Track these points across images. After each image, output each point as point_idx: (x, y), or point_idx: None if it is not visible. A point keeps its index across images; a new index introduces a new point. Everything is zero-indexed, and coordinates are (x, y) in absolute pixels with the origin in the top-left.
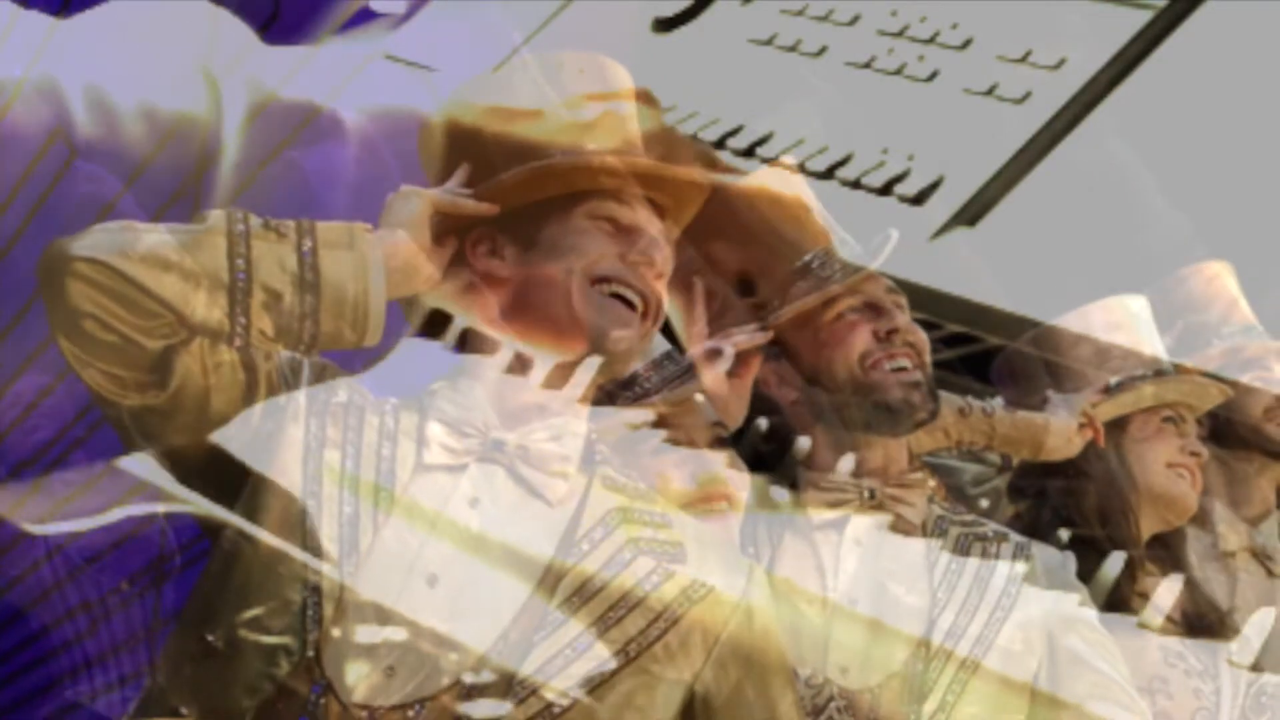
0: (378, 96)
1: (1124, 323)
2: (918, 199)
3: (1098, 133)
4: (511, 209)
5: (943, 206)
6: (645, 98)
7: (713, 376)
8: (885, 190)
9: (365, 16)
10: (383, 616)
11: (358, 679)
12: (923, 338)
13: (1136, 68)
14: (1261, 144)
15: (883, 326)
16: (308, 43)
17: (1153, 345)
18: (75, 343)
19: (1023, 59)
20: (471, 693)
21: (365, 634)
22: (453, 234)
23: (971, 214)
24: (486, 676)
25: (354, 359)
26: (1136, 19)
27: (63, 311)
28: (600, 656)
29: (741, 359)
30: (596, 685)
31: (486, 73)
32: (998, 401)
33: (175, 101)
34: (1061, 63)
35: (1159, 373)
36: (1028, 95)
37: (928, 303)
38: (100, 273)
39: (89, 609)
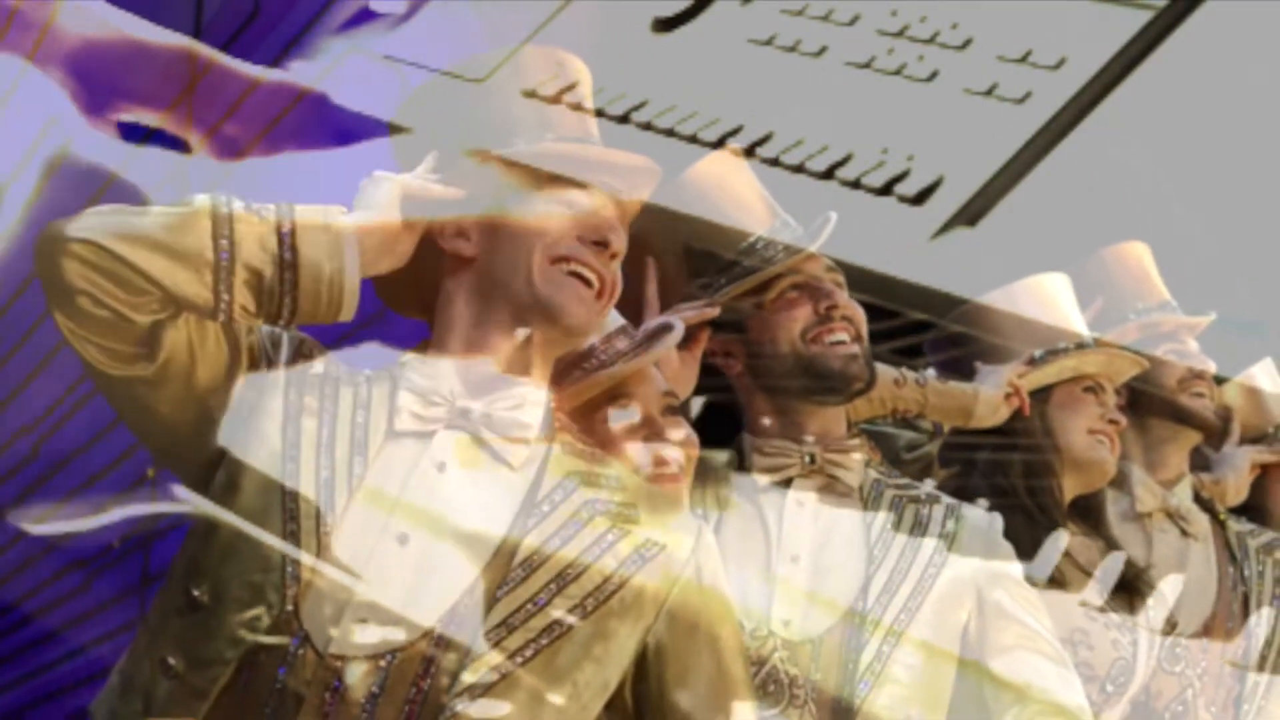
0: (351, 92)
1: (1047, 299)
2: (918, 199)
3: (1098, 133)
4: (476, 193)
5: (943, 206)
6: None
7: (664, 349)
8: (885, 190)
9: (365, 16)
10: (356, 573)
11: (332, 630)
12: (860, 313)
13: (1137, 68)
14: (1262, 143)
15: (822, 303)
16: (290, 41)
17: (1074, 320)
18: (70, 318)
19: (1023, 59)
20: (439, 647)
21: (340, 589)
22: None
23: (971, 214)
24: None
25: (330, 333)
26: (1136, 19)
27: (58, 289)
28: (559, 610)
29: (691, 333)
30: (555, 638)
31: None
32: (930, 372)
33: None
34: (1061, 63)
35: (1080, 346)
36: (1028, 95)
37: (928, 303)
38: (93, 252)
39: (83, 566)
